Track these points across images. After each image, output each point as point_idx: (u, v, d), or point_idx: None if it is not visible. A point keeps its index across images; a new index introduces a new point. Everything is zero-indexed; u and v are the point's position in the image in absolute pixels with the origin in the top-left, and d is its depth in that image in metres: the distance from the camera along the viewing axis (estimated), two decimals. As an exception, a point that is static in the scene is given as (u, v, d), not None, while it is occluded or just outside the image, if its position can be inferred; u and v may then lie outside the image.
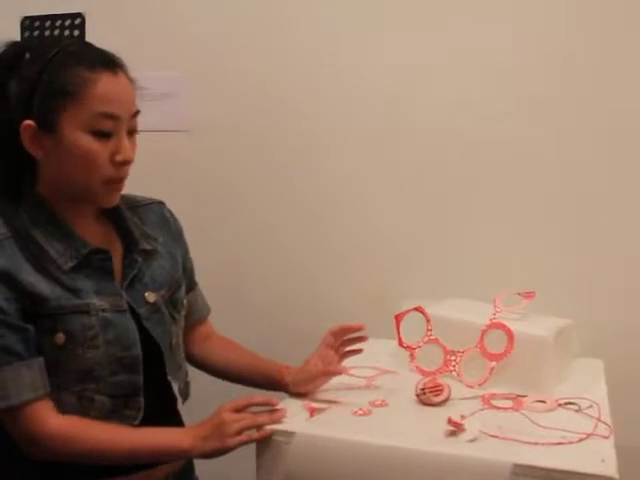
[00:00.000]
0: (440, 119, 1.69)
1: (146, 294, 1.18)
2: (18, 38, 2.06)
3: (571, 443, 1.05)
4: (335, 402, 1.22)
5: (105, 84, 1.06)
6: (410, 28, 1.70)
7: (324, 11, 1.76)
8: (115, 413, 1.13)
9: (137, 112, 1.12)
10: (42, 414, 1.07)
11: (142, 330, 1.16)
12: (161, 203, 1.32)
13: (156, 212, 1.29)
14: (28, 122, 1.06)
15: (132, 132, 1.12)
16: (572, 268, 1.61)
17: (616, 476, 0.95)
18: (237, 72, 1.81)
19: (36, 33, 2.05)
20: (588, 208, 1.60)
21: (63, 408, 1.10)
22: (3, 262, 1.05)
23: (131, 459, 1.11)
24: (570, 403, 1.21)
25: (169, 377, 1.23)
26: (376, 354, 1.50)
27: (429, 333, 1.39)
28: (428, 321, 1.40)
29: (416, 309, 1.41)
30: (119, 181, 1.12)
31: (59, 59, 1.07)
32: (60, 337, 1.08)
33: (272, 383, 1.30)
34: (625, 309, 1.59)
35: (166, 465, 1.20)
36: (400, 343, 1.42)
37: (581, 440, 1.06)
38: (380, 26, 1.71)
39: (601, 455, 1.01)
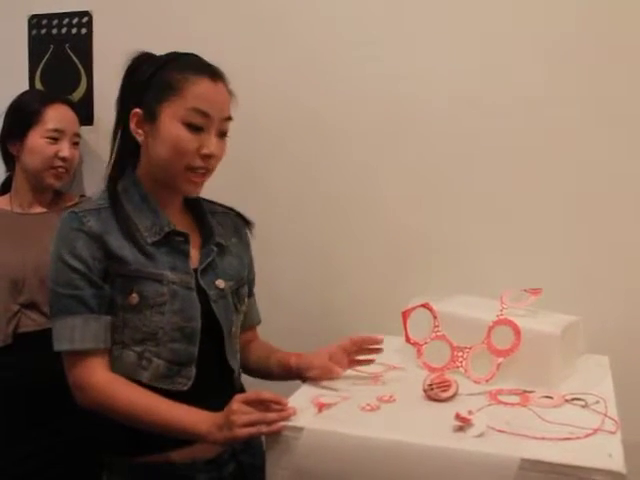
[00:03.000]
0: (449, 119, 1.69)
1: (217, 281, 1.32)
2: (25, 36, 2.08)
3: (578, 438, 1.05)
4: (343, 398, 1.22)
5: (204, 86, 1.26)
6: (421, 21, 1.71)
7: (337, 9, 1.77)
8: (168, 378, 1.26)
9: (229, 118, 1.30)
10: (95, 365, 1.22)
11: (209, 312, 1.29)
12: (237, 213, 1.47)
13: (231, 219, 1.45)
14: (136, 110, 1.27)
15: (222, 134, 1.29)
16: (579, 265, 1.61)
17: (623, 471, 0.95)
18: (249, 68, 1.81)
19: (43, 31, 2.06)
20: (595, 206, 1.60)
21: (122, 364, 1.25)
22: (98, 226, 1.24)
23: (156, 428, 1.20)
24: (577, 399, 1.21)
25: (228, 360, 1.33)
26: (383, 350, 1.51)
27: (436, 329, 1.40)
28: (435, 317, 1.40)
29: (423, 306, 1.42)
30: (200, 171, 1.27)
31: (171, 63, 1.28)
32: (134, 297, 1.24)
33: (285, 370, 1.38)
34: (631, 306, 1.59)
35: None
36: (407, 339, 1.43)
37: (588, 435, 1.07)
38: (391, 22, 1.72)
39: (608, 450, 1.01)
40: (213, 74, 1.28)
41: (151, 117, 1.26)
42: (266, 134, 1.85)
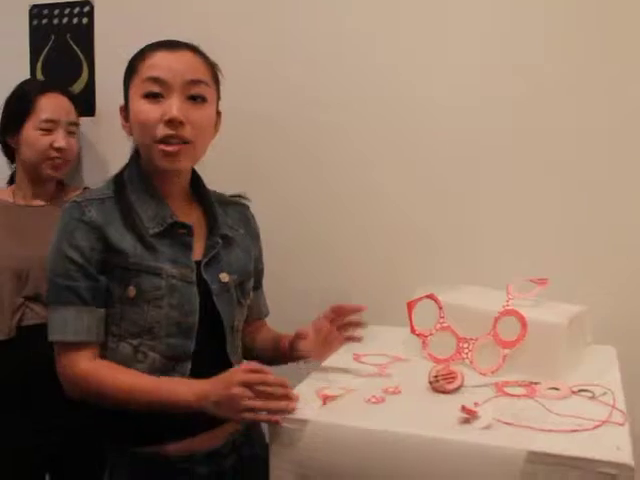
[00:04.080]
0: (453, 110, 1.68)
1: (221, 275, 1.31)
2: (26, 27, 2.06)
3: (586, 430, 1.04)
4: (348, 390, 1.21)
5: (156, 56, 1.24)
6: (423, 20, 1.69)
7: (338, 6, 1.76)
8: (163, 373, 1.24)
9: (196, 80, 1.25)
10: (82, 356, 1.21)
11: (211, 307, 1.28)
12: (245, 205, 1.46)
13: (240, 211, 1.44)
14: (120, 105, 1.30)
15: (194, 98, 1.25)
16: (585, 255, 1.60)
17: (631, 463, 0.94)
18: (251, 61, 1.81)
19: (44, 21, 2.05)
20: (602, 195, 1.59)
21: (118, 357, 1.24)
22: (99, 217, 1.23)
23: (147, 406, 1.19)
24: (584, 390, 1.20)
25: (229, 355, 1.32)
26: (388, 341, 1.50)
27: (441, 320, 1.39)
28: (440, 308, 1.39)
29: (428, 296, 1.41)
30: (170, 139, 1.23)
31: (139, 51, 1.28)
32: (131, 290, 1.22)
33: (282, 352, 1.37)
34: (638, 296, 1.58)
35: (228, 424, 1.29)
36: (412, 330, 1.42)
37: (596, 427, 1.05)
38: (394, 17, 1.71)
39: (616, 442, 1.00)
40: (171, 45, 1.26)
41: (127, 106, 1.28)
42: (269, 127, 1.84)
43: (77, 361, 1.21)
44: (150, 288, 1.22)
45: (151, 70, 1.23)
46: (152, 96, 1.22)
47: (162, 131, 1.22)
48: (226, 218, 1.38)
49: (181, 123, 1.22)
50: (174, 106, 1.22)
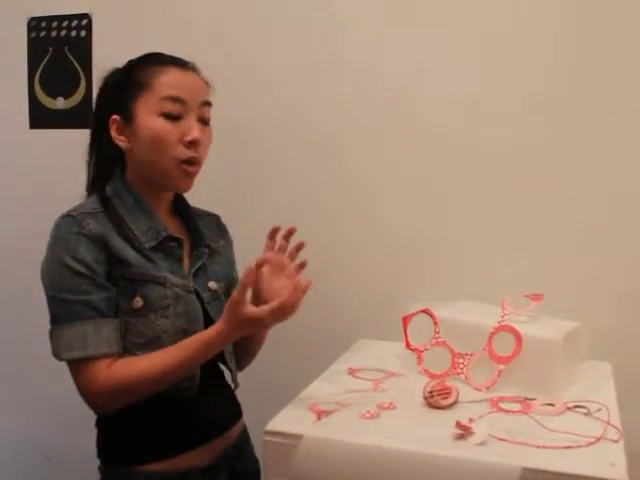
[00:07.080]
0: (448, 122, 1.68)
1: (209, 283, 1.32)
2: (25, 39, 2.07)
3: (580, 447, 1.04)
4: (342, 405, 1.21)
5: (172, 74, 1.23)
6: (419, 26, 1.70)
7: (335, 10, 1.77)
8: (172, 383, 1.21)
9: (207, 102, 1.27)
10: (102, 369, 1.16)
11: (205, 315, 1.28)
12: (217, 215, 1.47)
13: (215, 221, 1.46)
14: (115, 117, 1.25)
15: (203, 121, 1.26)
16: (581, 270, 1.60)
17: (626, 480, 0.94)
18: (247, 70, 1.82)
19: (43, 34, 2.06)
20: (597, 210, 1.59)
21: None
22: (98, 228, 1.20)
23: (186, 366, 1.19)
24: (579, 406, 1.20)
25: (227, 361, 1.34)
26: (383, 356, 1.50)
27: (437, 335, 1.39)
28: (436, 323, 1.39)
29: (424, 311, 1.41)
30: (191, 162, 1.24)
31: (138, 63, 1.26)
32: (138, 301, 1.21)
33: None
34: (634, 312, 1.58)
35: (222, 439, 1.32)
36: (407, 345, 1.41)
37: (590, 444, 1.05)
38: (389, 24, 1.71)
39: (611, 459, 1.00)
40: (180, 63, 1.26)
41: (129, 119, 1.23)
42: (261, 142, 1.84)
43: (99, 374, 1.16)
44: (157, 298, 1.21)
45: (170, 89, 1.22)
46: (172, 117, 1.21)
47: (184, 152, 1.22)
48: (206, 229, 1.38)
49: (200, 145, 1.23)
50: (195, 128, 1.22)
